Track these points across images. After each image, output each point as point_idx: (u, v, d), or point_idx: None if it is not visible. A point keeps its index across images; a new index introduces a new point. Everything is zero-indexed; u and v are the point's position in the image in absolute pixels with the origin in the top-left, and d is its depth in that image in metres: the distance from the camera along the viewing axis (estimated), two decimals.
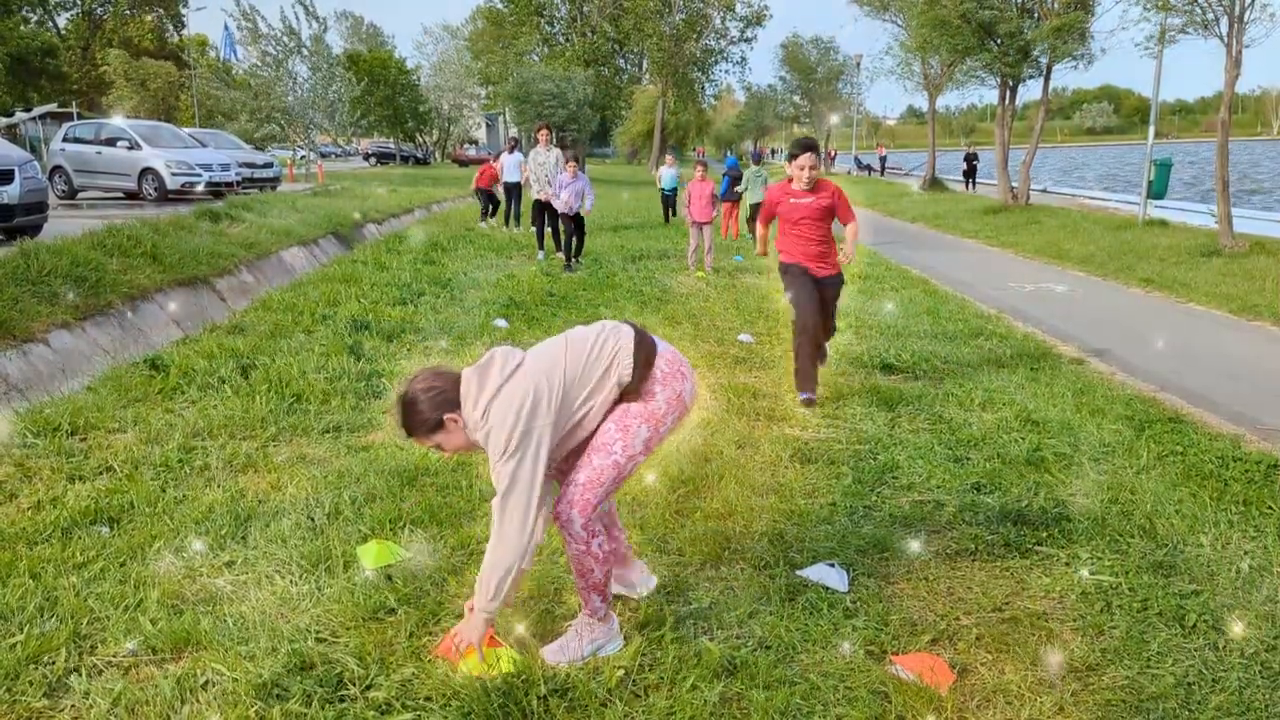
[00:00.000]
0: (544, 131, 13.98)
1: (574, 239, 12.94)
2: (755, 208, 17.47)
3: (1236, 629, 3.28)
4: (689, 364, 3.11)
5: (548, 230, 14.20)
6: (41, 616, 3.26)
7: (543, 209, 13.86)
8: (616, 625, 3.21)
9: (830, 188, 6.10)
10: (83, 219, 12.46)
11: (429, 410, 2.87)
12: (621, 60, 64.39)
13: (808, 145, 6.03)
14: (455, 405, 2.87)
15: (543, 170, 13.64)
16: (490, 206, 19.61)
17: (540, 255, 14.04)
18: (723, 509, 4.34)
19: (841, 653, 3.14)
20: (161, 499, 4.34)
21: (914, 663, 3.03)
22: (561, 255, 13.06)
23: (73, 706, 2.80)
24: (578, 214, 12.75)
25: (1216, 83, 15.42)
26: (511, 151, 19.05)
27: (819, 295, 6.15)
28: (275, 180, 21.50)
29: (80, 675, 2.94)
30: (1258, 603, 3.49)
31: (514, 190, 18.72)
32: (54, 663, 3.00)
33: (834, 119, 63.16)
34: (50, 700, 2.83)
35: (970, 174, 34.41)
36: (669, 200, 20.50)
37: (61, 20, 52.31)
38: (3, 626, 3.19)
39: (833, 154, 62.90)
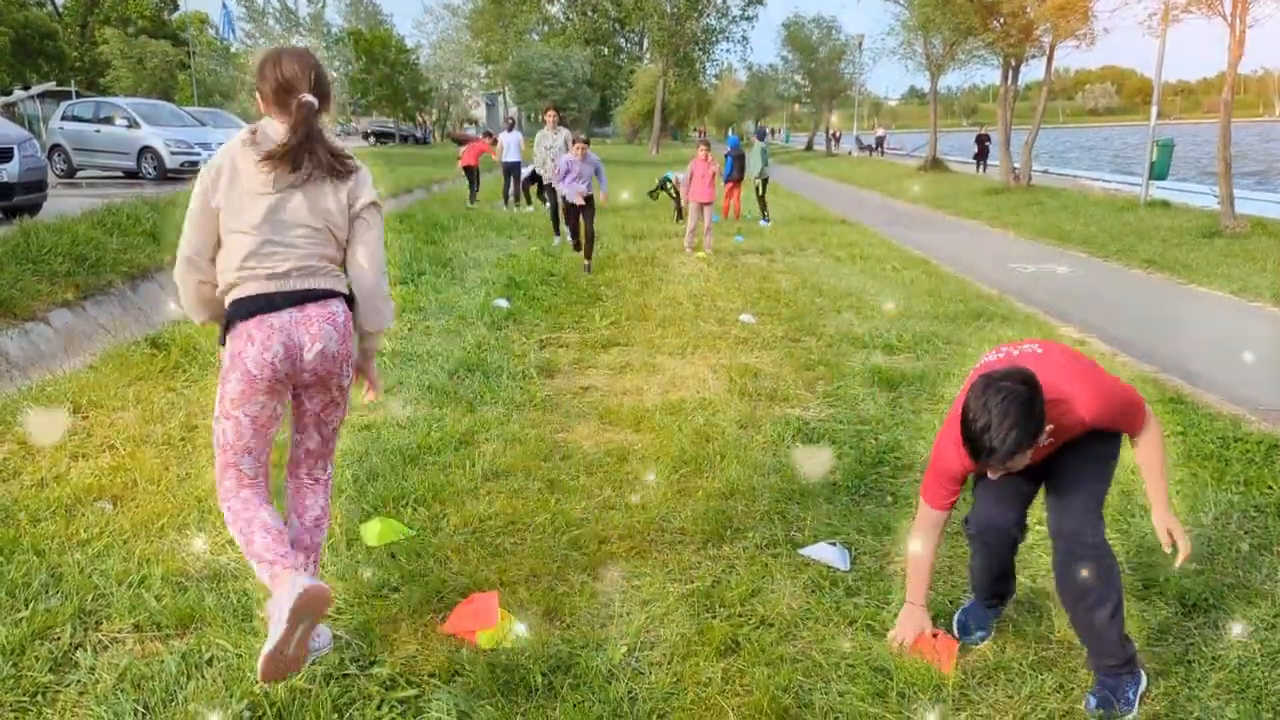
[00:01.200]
0: (551, 113, 13.72)
1: (585, 233, 11.22)
2: (765, 183, 17.51)
3: (1236, 607, 3.30)
4: (290, 335, 2.68)
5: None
6: (46, 593, 3.28)
7: (555, 191, 13.45)
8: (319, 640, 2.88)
9: (1069, 420, 2.65)
10: (82, 198, 12.44)
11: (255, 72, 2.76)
12: (622, 39, 64.17)
13: (984, 448, 2.49)
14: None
15: (550, 154, 13.41)
16: (474, 186, 19.50)
17: (557, 240, 13.40)
18: (725, 488, 4.35)
19: (842, 650, 3.16)
20: (164, 476, 4.35)
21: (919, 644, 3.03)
22: (569, 241, 12.11)
23: (79, 681, 2.81)
24: (589, 201, 11.02)
25: (1219, 63, 15.34)
26: (510, 130, 18.99)
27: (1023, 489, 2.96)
28: None
29: (86, 650, 2.96)
30: (1257, 582, 3.51)
31: (513, 169, 18.67)
32: (60, 638, 3.01)
33: (835, 119, 62.90)
34: (56, 675, 2.84)
35: (982, 155, 33.85)
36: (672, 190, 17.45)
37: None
38: (9, 602, 3.20)
39: (838, 135, 62.70)
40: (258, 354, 2.66)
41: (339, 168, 2.75)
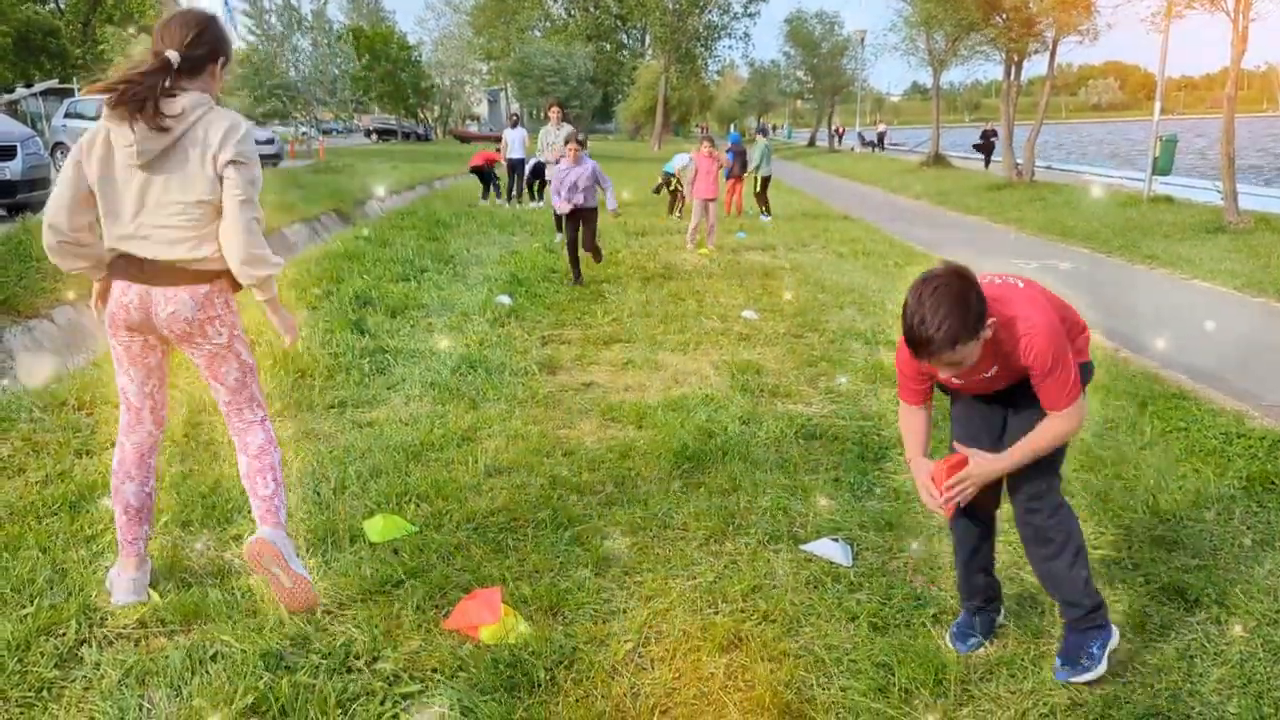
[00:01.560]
0: (554, 109, 13.61)
1: (585, 243, 9.82)
2: (765, 180, 17.49)
3: (1238, 603, 3.30)
4: (149, 291, 2.91)
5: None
6: (51, 589, 3.29)
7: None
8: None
9: (1012, 344, 2.67)
10: None
11: None
12: (624, 35, 64.15)
13: (921, 339, 2.50)
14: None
15: (552, 150, 13.31)
16: (487, 186, 19.50)
17: (559, 236, 12.88)
18: (727, 484, 4.36)
19: (845, 645, 3.16)
20: (168, 473, 4.36)
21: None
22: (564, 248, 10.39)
23: (84, 677, 2.82)
24: (593, 211, 9.69)
25: (1222, 58, 15.31)
26: (513, 127, 18.99)
27: (992, 419, 2.98)
28: (277, 157, 21.48)
29: (91, 646, 2.97)
30: (1260, 577, 3.51)
31: (517, 166, 18.67)
32: (64, 634, 3.02)
33: (838, 118, 62.86)
34: (61, 671, 2.85)
35: (987, 151, 33.58)
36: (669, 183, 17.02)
37: None
38: (14, 599, 3.21)
39: (841, 131, 62.62)
40: (118, 295, 2.95)
41: (183, 105, 2.82)
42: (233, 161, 2.83)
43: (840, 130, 62.10)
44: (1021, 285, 2.77)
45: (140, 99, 2.74)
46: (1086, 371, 2.85)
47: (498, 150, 19.58)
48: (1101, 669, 2.80)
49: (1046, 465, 2.80)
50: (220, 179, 2.84)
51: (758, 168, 17.44)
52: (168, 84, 2.78)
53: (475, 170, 19.42)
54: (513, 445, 4.84)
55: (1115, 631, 2.89)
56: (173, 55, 2.79)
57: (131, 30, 41.90)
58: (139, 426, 3.18)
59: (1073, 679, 2.81)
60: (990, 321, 2.54)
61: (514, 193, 18.90)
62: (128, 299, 2.92)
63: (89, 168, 2.83)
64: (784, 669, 2.90)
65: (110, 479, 3.20)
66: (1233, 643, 3.07)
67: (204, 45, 2.87)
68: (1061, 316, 2.77)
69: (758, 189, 17.43)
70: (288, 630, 3.04)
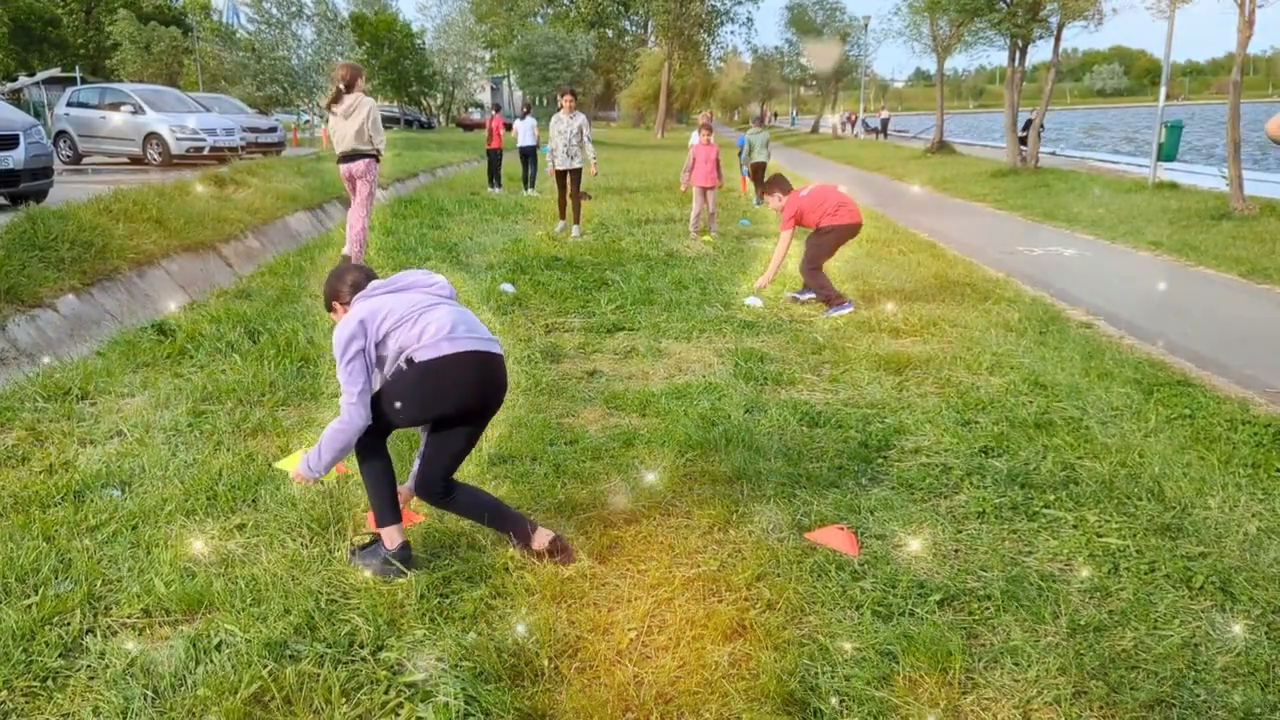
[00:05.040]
0: (567, 98, 13.39)
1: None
2: (758, 167, 17.47)
3: (1243, 591, 3.29)
4: (347, 164, 9.07)
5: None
6: (56, 578, 3.30)
7: (563, 178, 13.08)
8: None
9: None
10: (88, 184, 12.44)
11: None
12: (626, 22, 63.90)
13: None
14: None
15: (562, 139, 13.04)
16: (494, 171, 19.47)
17: (560, 226, 13.25)
18: (731, 473, 4.35)
19: (849, 633, 3.16)
20: (172, 462, 4.37)
21: (827, 536, 3.65)
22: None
23: (88, 667, 2.83)
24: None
25: (1228, 43, 15.22)
26: (524, 116, 19.00)
27: None
28: (279, 145, 21.40)
29: (95, 636, 2.98)
30: (1265, 564, 3.50)
31: (529, 154, 18.69)
32: (69, 624, 3.03)
33: (840, 106, 62.46)
34: (66, 660, 2.86)
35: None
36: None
37: None
38: (19, 588, 3.22)
39: (853, 118, 62.31)
40: (343, 168, 9.10)
41: (350, 101, 8.86)
42: (369, 113, 8.82)
43: (852, 117, 61.66)
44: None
45: (336, 100, 8.82)
46: None
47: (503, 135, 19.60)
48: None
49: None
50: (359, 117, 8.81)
51: (752, 152, 17.38)
52: (342, 95, 8.73)
53: (491, 152, 19.44)
54: (516, 434, 4.84)
55: None
56: (341, 86, 8.75)
57: (139, 20, 41.73)
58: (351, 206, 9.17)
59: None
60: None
61: (526, 180, 18.97)
62: (345, 168, 8.97)
63: (330, 121, 8.98)
64: (788, 657, 2.90)
65: None
66: (1238, 631, 3.07)
67: (352, 77, 8.79)
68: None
69: (751, 174, 17.44)
70: (292, 620, 3.04)
